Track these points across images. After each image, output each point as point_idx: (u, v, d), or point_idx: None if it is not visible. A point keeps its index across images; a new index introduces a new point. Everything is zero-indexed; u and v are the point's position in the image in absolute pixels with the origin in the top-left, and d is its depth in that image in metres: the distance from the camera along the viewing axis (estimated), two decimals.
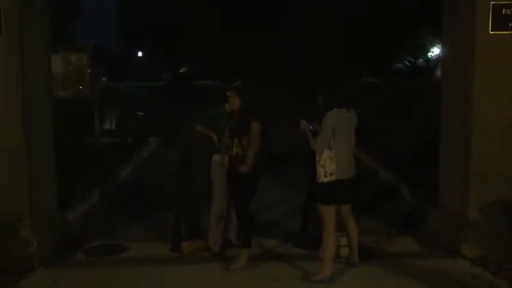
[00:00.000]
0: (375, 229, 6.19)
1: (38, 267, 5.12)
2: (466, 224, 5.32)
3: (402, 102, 17.23)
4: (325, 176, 4.76)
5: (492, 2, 5.15)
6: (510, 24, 5.19)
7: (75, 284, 4.88)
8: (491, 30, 5.17)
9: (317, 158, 4.79)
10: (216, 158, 5.47)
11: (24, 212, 5.14)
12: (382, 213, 6.85)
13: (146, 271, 5.12)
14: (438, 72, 27.48)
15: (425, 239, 5.76)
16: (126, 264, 5.34)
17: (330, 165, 4.75)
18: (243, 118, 5.08)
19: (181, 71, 37.76)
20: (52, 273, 5.03)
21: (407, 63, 32.61)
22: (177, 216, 5.69)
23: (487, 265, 5.01)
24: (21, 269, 5.00)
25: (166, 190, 7.55)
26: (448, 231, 5.54)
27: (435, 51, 30.57)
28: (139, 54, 46.87)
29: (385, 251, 5.62)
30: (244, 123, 5.05)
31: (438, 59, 28.98)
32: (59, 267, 5.19)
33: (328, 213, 4.79)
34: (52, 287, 4.77)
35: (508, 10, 5.17)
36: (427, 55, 32.23)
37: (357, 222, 5.14)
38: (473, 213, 5.29)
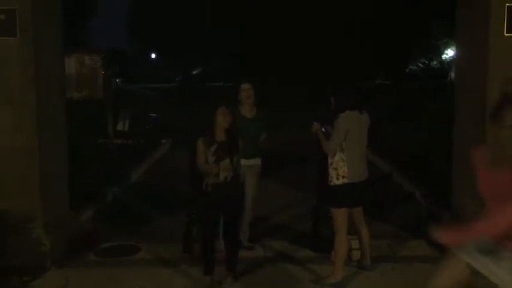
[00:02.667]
0: (387, 232, 6.15)
1: (51, 267, 5.15)
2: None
3: (416, 104, 17.11)
4: (338, 179, 4.73)
5: (507, 4, 5.09)
6: None
7: (87, 285, 4.91)
8: (506, 33, 5.11)
9: (329, 160, 4.77)
10: (244, 161, 5.28)
11: (36, 213, 5.19)
12: (395, 216, 6.80)
13: (158, 272, 5.13)
14: (452, 75, 27.28)
15: (438, 243, 5.69)
16: (138, 265, 5.35)
17: (342, 168, 4.73)
18: (231, 137, 4.67)
19: (194, 72, 37.86)
20: (64, 274, 5.06)
21: (421, 65, 32.38)
22: (188, 218, 5.69)
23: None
24: (34, 269, 5.03)
25: (178, 191, 7.56)
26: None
27: (449, 53, 30.34)
28: (153, 56, 47.10)
29: (397, 254, 5.58)
30: (234, 143, 4.68)
31: (452, 61, 28.76)
32: (71, 267, 5.22)
33: (340, 216, 4.77)
34: (65, 287, 4.80)
35: None
36: (441, 57, 31.99)
37: (368, 225, 5.11)
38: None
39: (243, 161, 5.25)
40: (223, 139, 4.62)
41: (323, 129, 4.91)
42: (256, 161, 5.59)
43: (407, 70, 31.12)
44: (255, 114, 5.62)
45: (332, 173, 4.75)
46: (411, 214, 6.97)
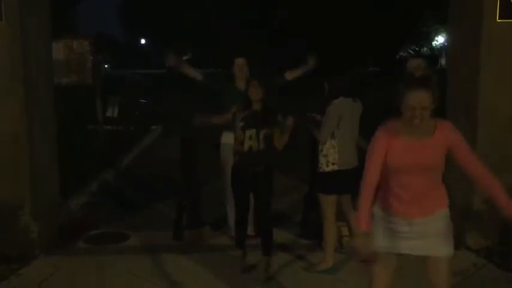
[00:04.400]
0: None
1: (39, 254, 5.10)
2: (471, 215, 5.28)
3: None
4: (327, 166, 4.71)
5: None
6: None
7: (77, 272, 4.86)
8: (499, 19, 5.08)
9: (320, 147, 4.74)
10: (227, 138, 5.30)
11: (25, 200, 5.12)
12: None
13: (147, 259, 5.10)
14: (443, 61, 27.34)
15: None
16: (128, 252, 5.32)
17: (332, 155, 4.70)
18: (266, 108, 4.64)
19: (185, 58, 37.66)
20: (53, 261, 5.01)
21: (411, 52, 32.40)
22: (179, 205, 5.66)
23: (491, 256, 4.98)
24: (23, 257, 4.99)
25: (168, 178, 7.52)
26: (453, 222, 5.49)
27: (440, 39, 30.37)
28: (142, 41, 46.74)
29: None
30: (268, 114, 4.60)
31: (442, 47, 28.80)
32: (60, 255, 5.18)
33: (327, 203, 4.75)
34: (53, 275, 4.75)
35: None
36: (431, 44, 32.02)
37: None
38: (477, 204, 5.24)
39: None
40: (259, 108, 4.61)
41: (317, 117, 4.87)
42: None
43: (397, 57, 31.15)
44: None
45: (322, 159, 4.73)
46: None
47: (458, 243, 5.25)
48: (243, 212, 4.81)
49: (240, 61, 5.60)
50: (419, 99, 2.91)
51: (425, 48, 32.61)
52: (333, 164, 4.69)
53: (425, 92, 2.93)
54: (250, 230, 5.42)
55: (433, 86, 3.00)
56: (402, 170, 3.05)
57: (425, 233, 3.18)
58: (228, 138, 5.29)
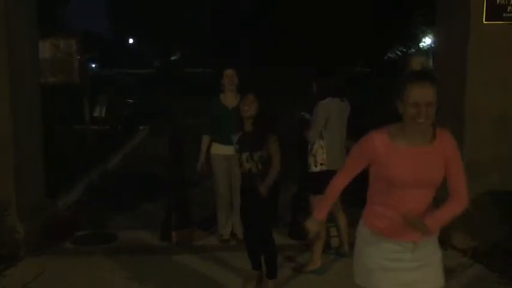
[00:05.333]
0: None
1: (25, 255, 5.06)
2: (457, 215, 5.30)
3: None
4: (316, 166, 4.72)
5: None
6: (504, 15, 5.15)
7: (63, 273, 4.82)
8: (485, 20, 5.13)
9: (308, 147, 4.75)
10: (218, 149, 5.31)
11: (10, 200, 5.07)
12: None
13: (135, 260, 5.07)
14: (430, 62, 27.54)
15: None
16: (115, 253, 5.28)
17: (320, 155, 4.71)
18: (256, 130, 4.28)
19: (173, 58, 37.53)
20: (40, 262, 4.97)
21: (399, 53, 32.57)
22: (167, 205, 5.64)
23: (478, 256, 5.01)
24: (9, 257, 4.93)
25: (156, 178, 7.49)
26: None
27: (427, 41, 30.56)
28: (130, 41, 46.50)
29: None
30: (258, 137, 4.26)
31: (430, 49, 29.01)
32: (47, 255, 5.13)
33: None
34: (40, 276, 4.71)
35: (503, 0, 5.13)
36: (418, 45, 32.21)
37: (346, 212, 5.11)
38: None
39: (224, 149, 5.21)
40: (249, 130, 4.29)
41: (305, 116, 4.88)
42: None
43: (385, 58, 31.31)
44: (238, 103, 5.25)
45: (311, 160, 4.74)
46: None
47: (445, 243, 5.31)
48: (253, 243, 4.46)
49: (229, 72, 5.38)
50: (423, 92, 2.48)
51: (412, 50, 32.78)
52: (322, 164, 4.70)
53: (430, 85, 2.52)
54: (226, 234, 5.45)
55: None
56: (402, 184, 2.59)
57: (423, 261, 2.72)
58: (217, 149, 5.35)
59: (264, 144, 4.23)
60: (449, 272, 4.72)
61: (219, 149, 5.33)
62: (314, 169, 4.73)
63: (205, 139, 5.42)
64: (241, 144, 4.32)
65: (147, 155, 10.11)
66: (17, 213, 5.09)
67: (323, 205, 2.91)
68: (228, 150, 5.15)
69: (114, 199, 7.17)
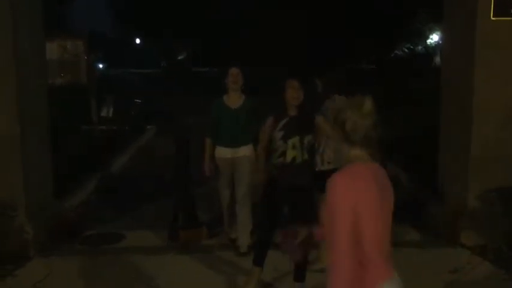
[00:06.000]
0: None
1: (34, 256, 5.08)
2: (465, 212, 5.29)
3: (401, 88, 17.17)
4: (323, 164, 4.71)
5: None
6: None
7: (71, 273, 4.84)
8: (493, 16, 5.09)
9: (316, 146, 4.74)
10: (222, 153, 5.20)
11: (19, 200, 5.10)
12: None
13: (143, 260, 5.08)
14: (437, 59, 27.40)
15: (424, 227, 5.73)
16: (123, 253, 5.30)
17: (327, 154, 4.70)
18: (305, 113, 4.16)
19: (179, 58, 37.57)
20: (48, 262, 4.99)
21: (406, 50, 32.40)
22: (174, 205, 5.65)
23: (486, 254, 4.99)
24: (17, 258, 4.96)
25: (163, 178, 7.50)
26: (447, 220, 5.51)
27: (434, 38, 30.40)
28: (137, 41, 46.60)
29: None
30: (308, 120, 4.12)
31: (437, 45, 28.86)
32: (55, 256, 5.15)
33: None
34: (48, 276, 4.73)
35: None
36: (426, 42, 32.04)
37: None
38: (472, 201, 5.25)
39: (226, 151, 5.13)
40: (295, 114, 4.15)
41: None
42: (244, 150, 5.15)
43: (392, 55, 31.17)
44: (242, 104, 5.19)
45: (317, 158, 4.73)
46: (397, 198, 6.97)
47: (453, 241, 5.30)
48: (269, 233, 4.27)
49: (234, 71, 5.17)
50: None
51: (419, 47, 32.63)
52: (328, 162, 4.69)
53: None
54: (234, 233, 5.42)
55: None
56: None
57: None
58: (220, 152, 5.20)
59: (313, 128, 4.13)
60: (457, 270, 4.73)
61: (222, 152, 5.19)
62: (321, 167, 4.71)
63: (208, 141, 5.27)
64: (287, 129, 4.10)
65: (154, 155, 10.13)
66: (25, 213, 5.12)
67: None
68: (230, 153, 5.12)
69: (121, 199, 7.20)
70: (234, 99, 5.20)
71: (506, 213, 5.10)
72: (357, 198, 2.16)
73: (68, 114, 10.75)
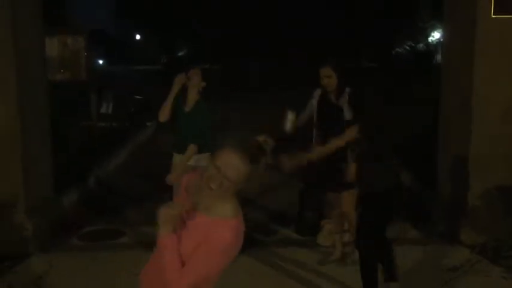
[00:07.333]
0: None
1: (33, 252, 5.08)
2: (465, 210, 5.29)
3: (403, 86, 17.18)
4: None
5: None
6: None
7: (71, 269, 4.85)
8: (493, 14, 5.08)
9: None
10: (177, 158, 4.82)
11: (19, 197, 5.10)
12: None
13: (142, 256, 5.06)
14: (438, 57, 27.37)
15: (424, 225, 5.74)
16: (123, 249, 5.31)
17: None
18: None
19: (180, 54, 37.55)
20: (47, 258, 4.99)
21: (407, 47, 32.38)
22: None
23: (485, 252, 4.99)
24: (17, 254, 4.96)
25: (163, 174, 7.49)
26: (447, 218, 5.51)
27: (436, 35, 30.36)
28: (138, 37, 46.55)
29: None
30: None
31: (438, 43, 28.82)
32: (55, 252, 5.15)
33: (350, 197, 4.69)
34: (49, 272, 4.74)
35: None
36: (427, 39, 32.00)
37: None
38: (472, 199, 5.25)
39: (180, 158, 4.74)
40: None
41: None
42: (198, 159, 4.64)
43: (393, 52, 31.16)
44: (193, 106, 4.71)
45: None
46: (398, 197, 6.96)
47: (453, 239, 5.30)
48: (373, 255, 4.04)
49: (193, 71, 4.74)
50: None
51: (421, 44, 32.59)
52: None
53: None
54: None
55: None
56: None
57: None
58: (202, 161, 4.61)
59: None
60: (457, 268, 4.73)
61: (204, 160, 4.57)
62: None
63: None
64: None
65: (155, 150, 10.12)
66: (25, 210, 5.12)
67: None
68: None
69: (121, 195, 7.20)
70: (188, 101, 4.77)
71: (507, 212, 5.10)
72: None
73: (68, 110, 10.76)
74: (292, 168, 4.27)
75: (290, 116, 4.55)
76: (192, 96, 4.73)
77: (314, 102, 4.81)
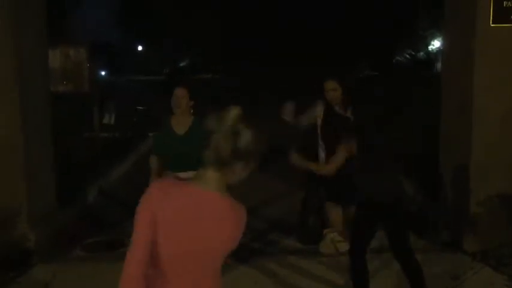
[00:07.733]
0: None
1: (37, 262, 5.09)
2: (467, 218, 5.29)
3: (404, 94, 17.21)
4: None
5: None
6: (511, 17, 5.14)
7: (74, 280, 4.86)
8: (492, 23, 5.12)
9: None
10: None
11: (21, 208, 5.12)
12: None
13: None
14: (438, 65, 27.44)
15: (425, 233, 5.73)
16: (124, 259, 5.29)
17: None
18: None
19: (182, 64, 37.69)
20: (50, 269, 5.00)
21: (407, 56, 32.45)
22: None
23: (487, 260, 4.99)
24: (20, 265, 4.98)
25: None
26: (448, 225, 5.51)
27: (436, 44, 30.44)
28: (140, 48, 46.74)
29: (384, 244, 5.58)
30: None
31: (439, 52, 28.89)
32: (57, 262, 5.17)
33: None
34: (51, 283, 4.75)
35: (509, 3, 5.12)
36: (427, 48, 32.08)
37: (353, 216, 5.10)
38: (473, 207, 5.25)
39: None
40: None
41: None
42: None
43: (394, 61, 31.24)
44: (189, 128, 4.46)
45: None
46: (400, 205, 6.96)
47: (455, 247, 5.30)
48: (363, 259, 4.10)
49: (178, 92, 4.47)
50: None
51: (421, 53, 32.67)
52: None
53: None
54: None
55: None
56: None
57: None
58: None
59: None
60: (459, 276, 4.73)
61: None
62: None
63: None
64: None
65: None
66: (27, 220, 5.14)
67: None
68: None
69: (124, 206, 7.20)
70: (180, 123, 4.57)
71: (509, 219, 5.10)
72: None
73: (70, 121, 10.79)
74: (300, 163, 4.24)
75: (289, 107, 4.60)
76: (186, 119, 4.48)
77: (318, 112, 4.84)
